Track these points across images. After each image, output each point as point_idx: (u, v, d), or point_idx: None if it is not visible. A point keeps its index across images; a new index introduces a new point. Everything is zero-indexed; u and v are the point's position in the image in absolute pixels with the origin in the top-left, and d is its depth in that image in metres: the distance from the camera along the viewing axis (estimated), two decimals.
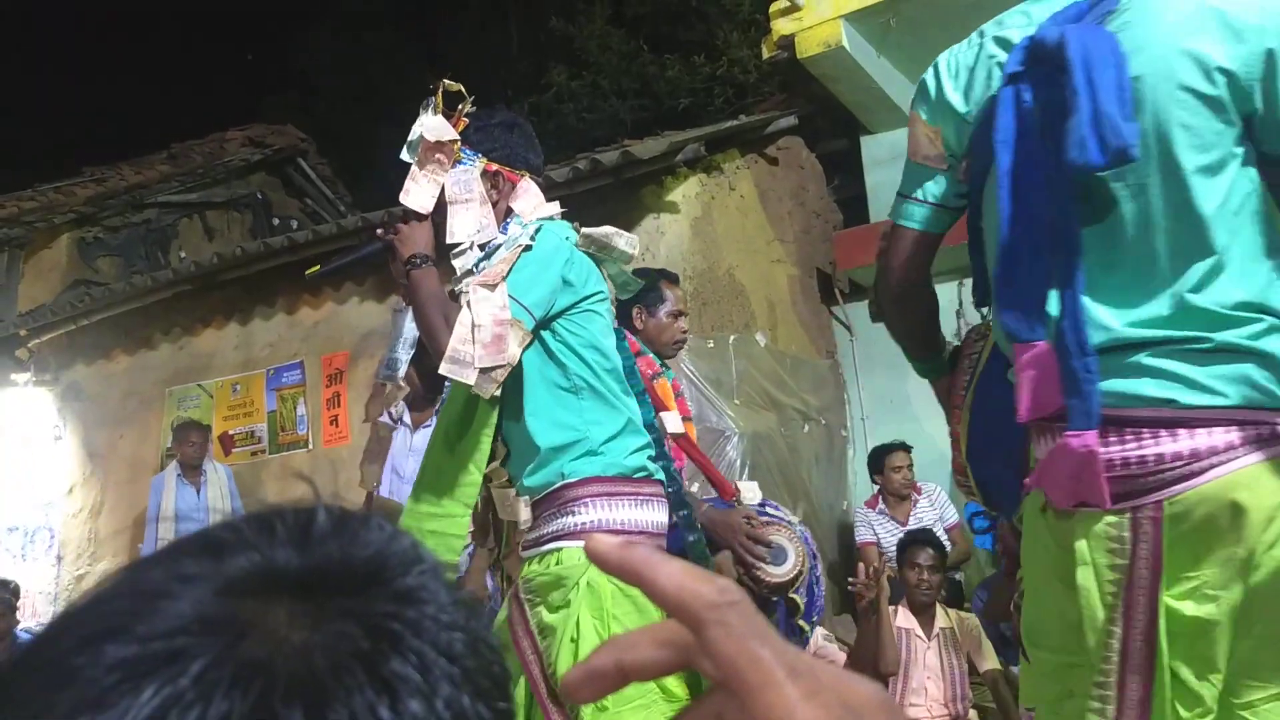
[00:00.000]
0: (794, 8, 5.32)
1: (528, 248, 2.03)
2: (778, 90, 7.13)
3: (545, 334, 2.07)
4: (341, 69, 13.35)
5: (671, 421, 2.69)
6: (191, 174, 8.97)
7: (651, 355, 3.05)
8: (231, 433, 6.54)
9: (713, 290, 5.28)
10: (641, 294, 3.18)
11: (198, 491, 5.60)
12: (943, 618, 4.10)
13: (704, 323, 5.10)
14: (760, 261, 5.70)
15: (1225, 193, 1.30)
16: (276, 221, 9.22)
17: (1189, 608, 1.30)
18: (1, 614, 5.46)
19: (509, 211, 2.16)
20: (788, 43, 5.36)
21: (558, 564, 1.98)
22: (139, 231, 8.78)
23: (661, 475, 2.14)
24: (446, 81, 1.71)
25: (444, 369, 1.96)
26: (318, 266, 2.23)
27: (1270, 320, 1.28)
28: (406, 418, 4.29)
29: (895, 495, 5.10)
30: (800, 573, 2.56)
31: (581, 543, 1.98)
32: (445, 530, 2.00)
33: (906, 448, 5.15)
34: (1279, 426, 1.26)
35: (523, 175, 2.20)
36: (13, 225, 8.01)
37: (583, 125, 10.38)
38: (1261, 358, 1.27)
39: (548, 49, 11.11)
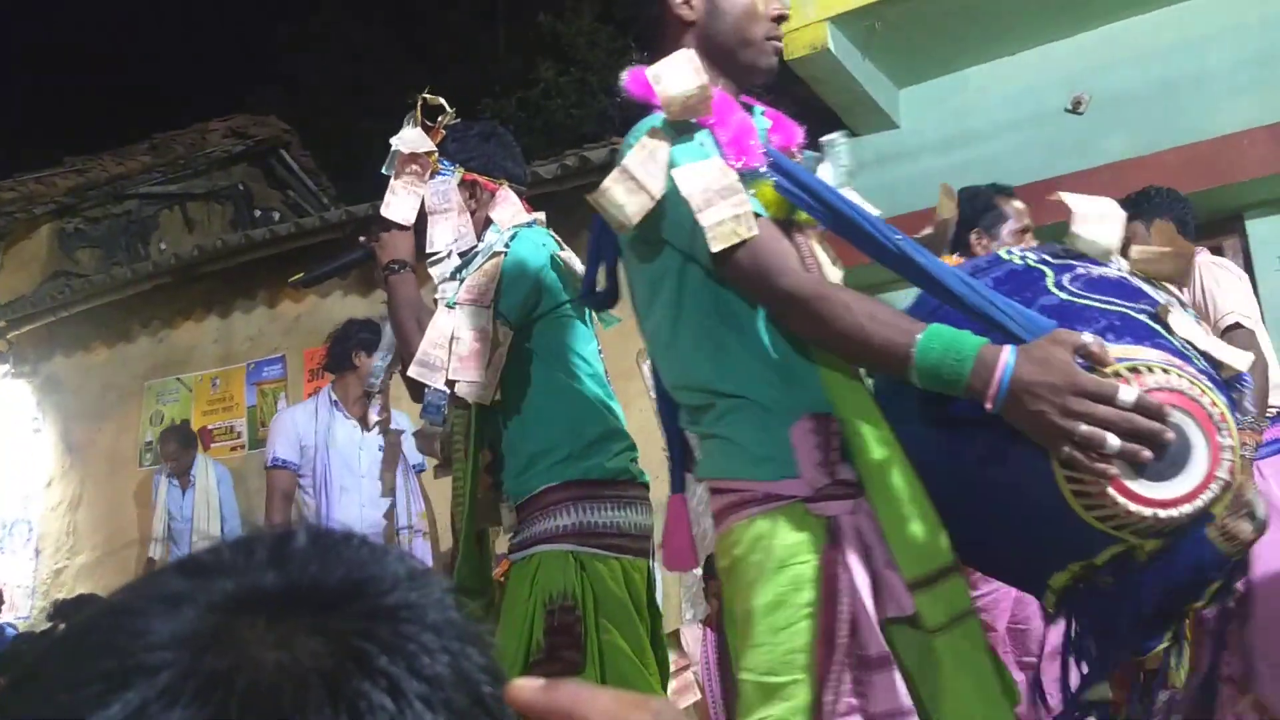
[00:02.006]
0: None
1: (504, 255, 2.06)
2: (764, 90, 7.12)
3: (523, 340, 2.08)
4: (328, 62, 13.28)
5: None
6: (173, 165, 8.90)
7: None
8: (210, 428, 6.49)
9: None
10: (977, 215, 2.98)
11: (183, 492, 5.57)
12: None
13: None
14: None
15: (658, 319, 1.56)
16: (258, 213, 9.15)
17: None
18: None
19: (488, 221, 2.17)
20: None
21: (538, 568, 1.98)
22: (120, 223, 8.71)
23: (646, 478, 2.15)
24: (427, 95, 1.76)
25: (412, 371, 2.00)
26: (301, 274, 2.28)
27: (724, 403, 1.49)
28: (341, 410, 4.09)
29: None
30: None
31: (561, 546, 1.99)
32: None
33: None
34: (745, 494, 1.46)
35: (501, 184, 2.22)
36: None
37: (571, 121, 10.36)
38: (722, 439, 1.51)
39: (536, 45, 11.09)
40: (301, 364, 6.21)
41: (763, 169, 1.48)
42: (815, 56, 5.18)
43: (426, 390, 2.05)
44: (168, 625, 0.38)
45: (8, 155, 9.61)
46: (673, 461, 1.70)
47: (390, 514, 3.99)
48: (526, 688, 0.41)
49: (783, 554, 1.40)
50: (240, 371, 6.45)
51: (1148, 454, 1.13)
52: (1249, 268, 4.91)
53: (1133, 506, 1.16)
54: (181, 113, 10.01)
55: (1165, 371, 1.19)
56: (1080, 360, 1.18)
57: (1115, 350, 1.21)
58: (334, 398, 4.11)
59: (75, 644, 0.39)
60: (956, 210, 1.73)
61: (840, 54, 5.20)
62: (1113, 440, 1.13)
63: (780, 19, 1.69)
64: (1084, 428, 1.14)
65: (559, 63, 10.79)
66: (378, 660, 0.38)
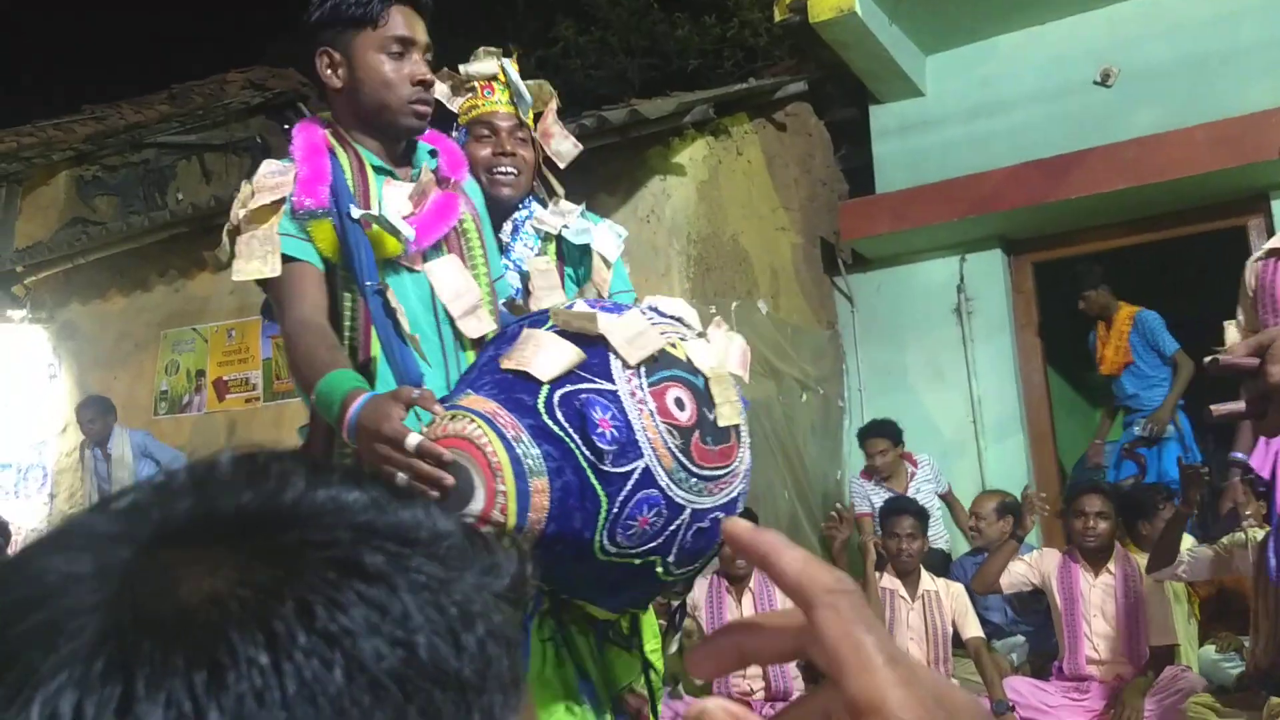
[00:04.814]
0: None
1: None
2: (787, 55, 7.05)
3: None
4: None
5: None
6: (191, 115, 8.87)
7: None
8: (226, 378, 6.53)
9: (717, 256, 5.26)
10: None
11: (108, 462, 5.76)
12: (927, 581, 4.16)
13: (706, 288, 5.09)
14: (765, 228, 5.67)
15: None
16: None
17: None
18: None
19: None
20: (800, 6, 5.29)
21: None
22: (137, 171, 8.71)
23: None
24: None
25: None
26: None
27: None
28: None
29: (879, 474, 5.11)
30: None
31: None
32: None
33: (885, 432, 5.10)
34: None
35: None
36: (11, 161, 7.93)
37: (590, 82, 10.26)
38: None
39: (556, 3, 10.96)
40: None
41: (321, 210, 1.80)
42: (842, 20, 5.12)
43: None
44: (61, 557, 0.37)
45: (27, 101, 9.60)
46: None
47: None
48: (739, 524, 0.45)
49: None
50: (256, 324, 6.46)
51: (433, 493, 1.35)
52: None
53: None
54: (201, 63, 9.97)
55: (469, 420, 1.42)
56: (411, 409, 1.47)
57: (468, 399, 1.49)
58: None
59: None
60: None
61: (867, 18, 5.14)
62: (401, 478, 1.36)
63: (423, 83, 1.88)
64: (384, 468, 1.39)
65: (579, 22, 10.67)
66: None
